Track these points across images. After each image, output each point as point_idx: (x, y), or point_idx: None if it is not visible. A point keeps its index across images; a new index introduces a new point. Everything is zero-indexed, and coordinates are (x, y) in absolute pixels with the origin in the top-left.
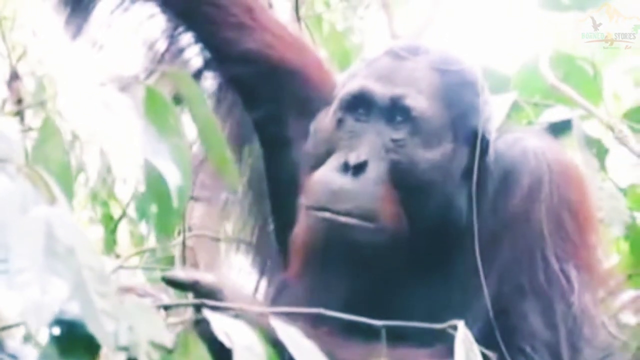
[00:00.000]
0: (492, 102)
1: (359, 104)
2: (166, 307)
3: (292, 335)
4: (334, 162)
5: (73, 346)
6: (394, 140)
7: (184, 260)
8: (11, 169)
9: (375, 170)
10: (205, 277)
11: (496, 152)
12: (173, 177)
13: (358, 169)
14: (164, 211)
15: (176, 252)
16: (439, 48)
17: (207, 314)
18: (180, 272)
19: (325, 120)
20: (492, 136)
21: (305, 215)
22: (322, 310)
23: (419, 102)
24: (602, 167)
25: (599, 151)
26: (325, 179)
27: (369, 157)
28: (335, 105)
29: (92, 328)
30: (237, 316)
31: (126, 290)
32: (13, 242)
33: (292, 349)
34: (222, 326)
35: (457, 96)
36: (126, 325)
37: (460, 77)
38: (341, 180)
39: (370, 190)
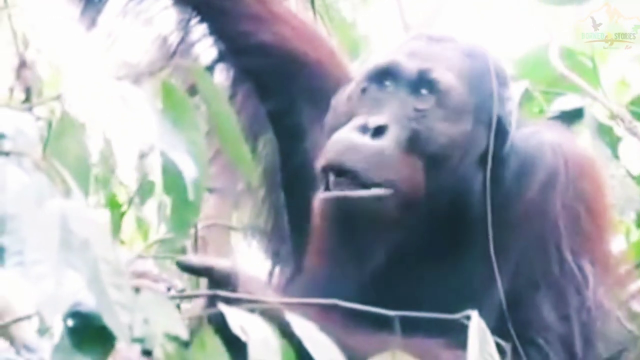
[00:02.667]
0: (515, 97)
1: (386, 75)
2: (180, 298)
3: (307, 329)
4: (353, 124)
5: (88, 338)
6: (417, 110)
7: (196, 250)
8: (27, 163)
9: (395, 135)
10: (219, 262)
11: (513, 144)
12: (189, 171)
13: (377, 132)
14: (180, 205)
15: (187, 241)
16: (469, 39)
17: (222, 307)
18: (194, 258)
19: (347, 92)
20: (511, 129)
21: (321, 197)
22: (336, 301)
23: (446, 76)
24: (615, 154)
25: (611, 139)
26: (342, 137)
27: (390, 122)
28: (360, 76)
29: (107, 320)
30: (251, 309)
31: (139, 275)
32: (28, 234)
33: (308, 343)
34: (237, 320)
35: (483, 82)
36: (141, 317)
37: (487, 65)
38: (359, 138)
39: (389, 151)
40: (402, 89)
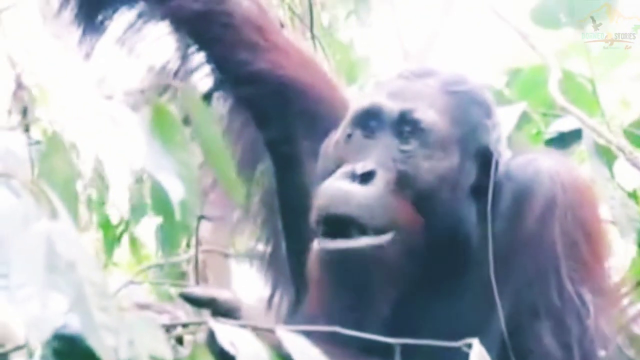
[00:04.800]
0: (502, 124)
1: (369, 119)
2: (168, 327)
3: (298, 344)
4: (340, 172)
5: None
6: (402, 152)
7: (197, 275)
8: (16, 184)
9: (383, 179)
10: (222, 294)
11: (509, 172)
12: (175, 191)
13: (365, 178)
14: (169, 225)
15: (185, 267)
16: (451, 70)
17: (212, 323)
18: (197, 289)
19: (335, 138)
20: (501, 157)
21: (316, 246)
22: (337, 329)
23: (428, 115)
24: (612, 174)
25: (610, 159)
26: (331, 186)
27: (377, 166)
28: (345, 122)
29: (92, 342)
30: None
31: (143, 307)
32: (14, 257)
33: (297, 357)
34: (227, 335)
35: (466, 115)
36: (126, 339)
37: (470, 98)
38: (348, 186)
39: (378, 196)
40: (386, 131)
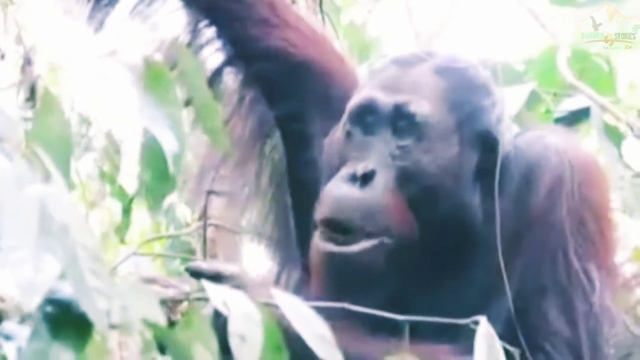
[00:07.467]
0: (503, 103)
1: (366, 114)
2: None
3: (292, 304)
4: (342, 174)
5: (65, 325)
6: (400, 147)
7: (204, 250)
8: (8, 147)
9: (383, 179)
10: (227, 268)
11: (516, 150)
12: (169, 144)
13: (365, 179)
14: (158, 179)
15: (195, 243)
16: (446, 53)
17: (204, 284)
18: (202, 263)
19: (335, 136)
20: (503, 137)
21: (315, 241)
22: (346, 305)
23: (422, 107)
24: (620, 153)
25: (618, 139)
26: (333, 190)
27: (376, 166)
28: (344, 118)
29: (85, 306)
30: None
31: (149, 281)
32: (6, 220)
33: (290, 316)
34: (220, 295)
35: (463, 99)
36: (119, 303)
37: (466, 80)
38: (348, 190)
39: (377, 199)
40: (383, 127)
